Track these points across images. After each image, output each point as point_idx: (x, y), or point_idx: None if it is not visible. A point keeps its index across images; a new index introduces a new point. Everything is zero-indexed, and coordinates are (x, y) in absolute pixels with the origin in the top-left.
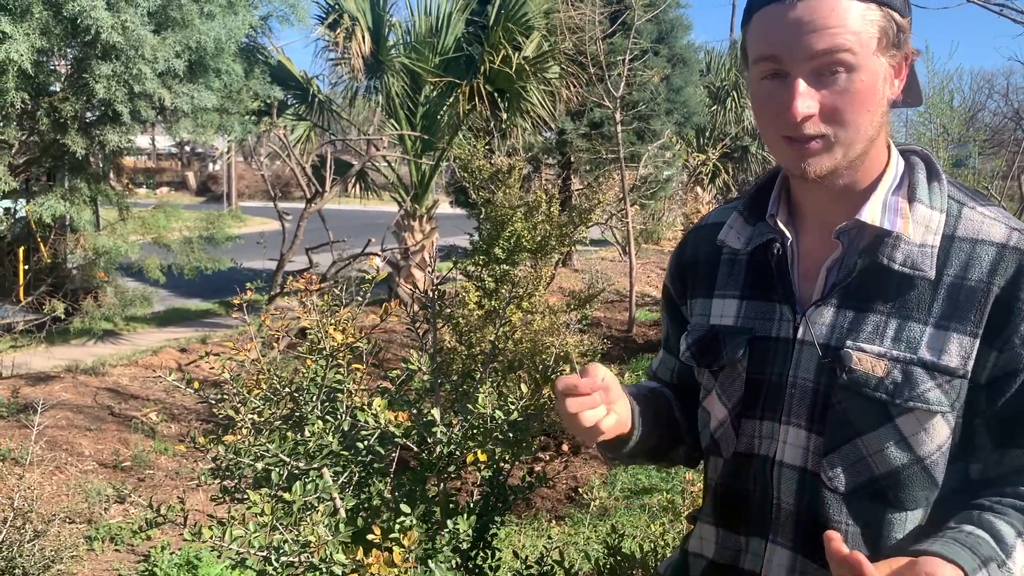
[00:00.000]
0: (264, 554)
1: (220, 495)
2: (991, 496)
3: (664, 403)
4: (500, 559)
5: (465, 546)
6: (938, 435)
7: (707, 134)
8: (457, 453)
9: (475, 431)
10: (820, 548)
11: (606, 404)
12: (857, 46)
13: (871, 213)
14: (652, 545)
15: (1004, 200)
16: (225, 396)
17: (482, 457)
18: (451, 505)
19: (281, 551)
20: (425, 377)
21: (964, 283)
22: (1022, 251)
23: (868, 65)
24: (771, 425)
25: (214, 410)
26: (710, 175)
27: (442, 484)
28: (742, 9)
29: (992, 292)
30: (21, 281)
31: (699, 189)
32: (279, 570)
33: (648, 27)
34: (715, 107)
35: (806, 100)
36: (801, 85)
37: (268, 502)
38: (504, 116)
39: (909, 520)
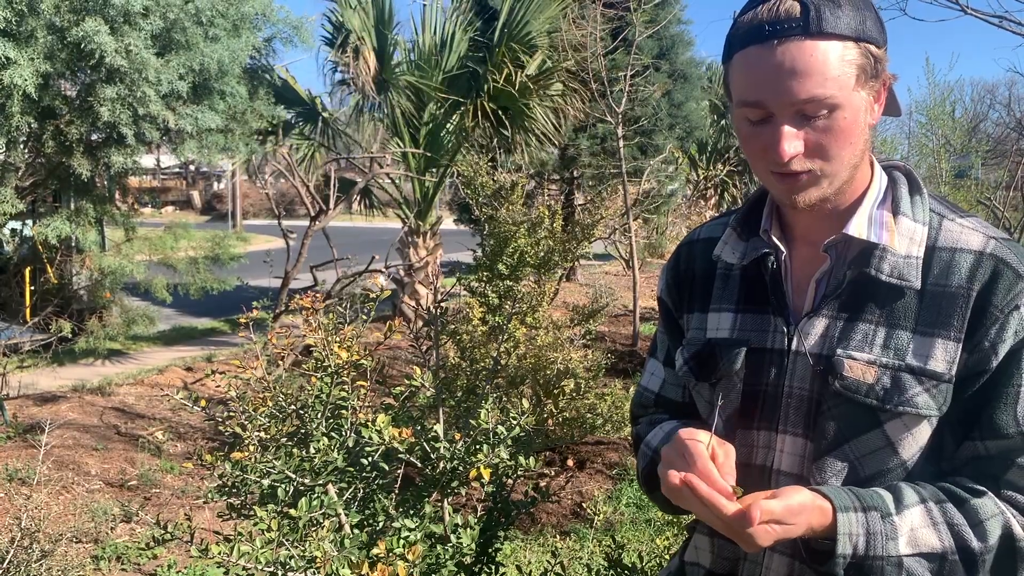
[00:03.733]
0: (271, 570)
1: (227, 512)
2: (938, 482)
3: None
4: (504, 574)
5: (468, 560)
6: (922, 438)
7: (710, 148)
8: (460, 469)
9: (478, 446)
10: (818, 554)
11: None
12: (837, 89)
13: (858, 227)
14: (657, 560)
15: (1007, 210)
16: (231, 413)
17: (485, 473)
18: (454, 520)
19: (287, 566)
20: (429, 393)
21: (945, 290)
22: (998, 257)
23: (849, 102)
24: (768, 435)
25: (220, 427)
26: (719, 190)
27: (445, 500)
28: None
29: (971, 297)
30: (28, 302)
31: (703, 203)
32: None
33: (649, 43)
34: (721, 122)
35: (791, 142)
36: (785, 129)
37: (274, 518)
38: (508, 133)
39: None
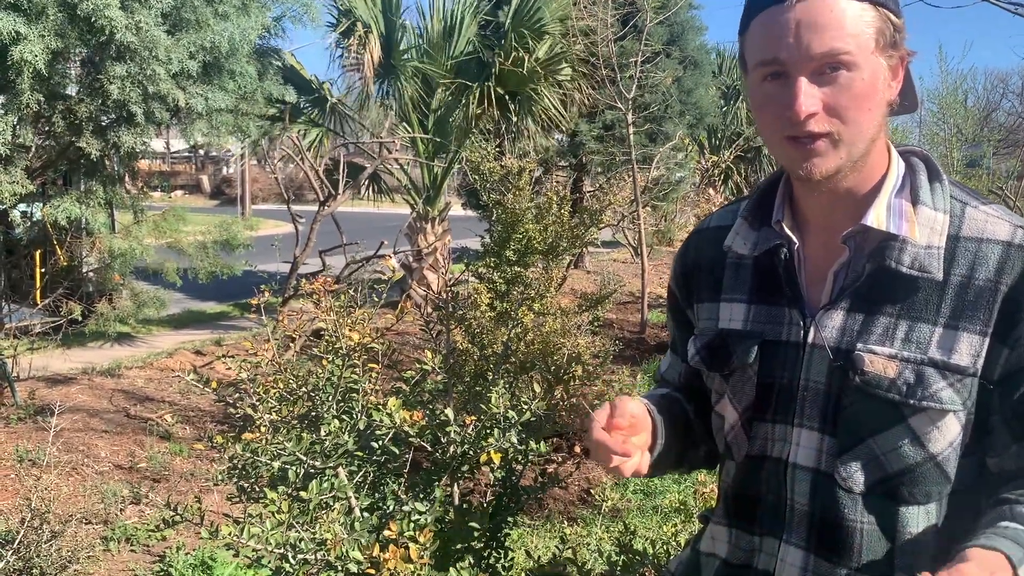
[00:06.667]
0: (281, 551)
1: (237, 494)
2: (1014, 490)
3: (678, 408)
4: (513, 559)
5: (478, 545)
6: (950, 432)
7: (719, 135)
8: (471, 453)
9: (488, 431)
10: (832, 547)
11: (637, 445)
12: (855, 47)
13: (876, 217)
14: (664, 546)
15: (1019, 200)
16: (242, 395)
17: (495, 457)
18: (464, 505)
19: (298, 548)
20: (439, 378)
21: (972, 282)
22: None
23: (867, 64)
24: (783, 428)
25: (231, 409)
26: (722, 176)
27: (455, 484)
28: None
29: (1000, 290)
30: (38, 284)
31: (711, 191)
32: (295, 567)
33: (659, 30)
34: (727, 108)
35: (809, 98)
36: (803, 83)
37: (285, 500)
38: (515, 119)
39: (922, 514)
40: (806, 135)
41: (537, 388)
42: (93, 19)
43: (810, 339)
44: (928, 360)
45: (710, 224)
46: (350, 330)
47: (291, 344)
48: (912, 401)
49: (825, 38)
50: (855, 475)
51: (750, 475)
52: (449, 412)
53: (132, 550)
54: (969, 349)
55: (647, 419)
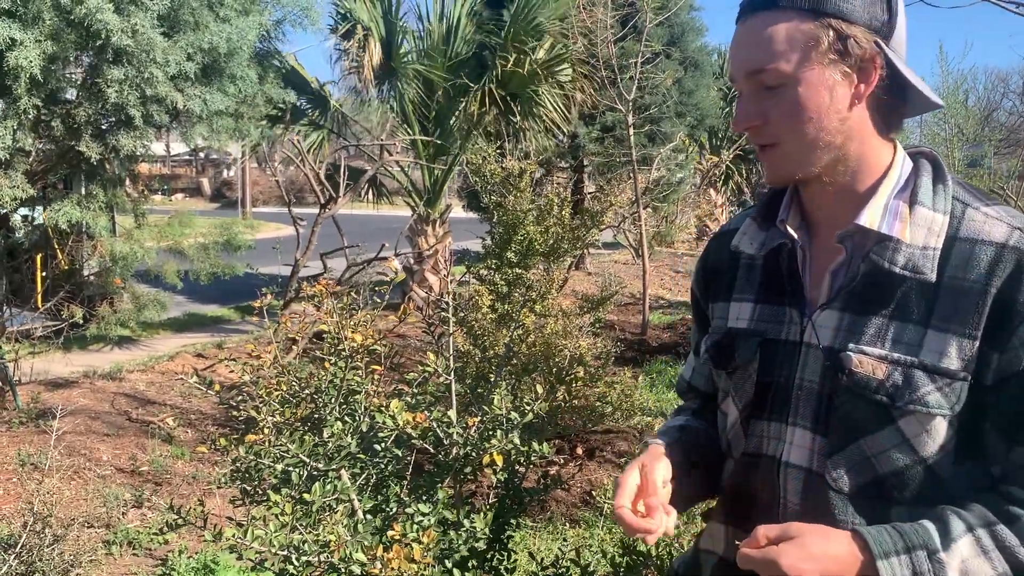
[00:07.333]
0: (284, 554)
1: (240, 497)
2: (988, 495)
3: (702, 439)
4: (516, 561)
5: (481, 546)
6: (939, 435)
7: (720, 136)
8: (473, 455)
9: (490, 433)
10: None
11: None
12: (784, 62)
13: (870, 217)
14: (667, 548)
15: (1020, 200)
16: (245, 398)
17: (498, 459)
18: (467, 507)
19: (301, 551)
20: (440, 380)
21: (963, 284)
22: (1021, 250)
23: (804, 77)
24: (778, 426)
25: (233, 413)
26: (723, 177)
27: (458, 486)
28: None
29: (990, 293)
30: (39, 288)
31: (712, 191)
32: (299, 570)
33: (659, 31)
34: (728, 109)
35: (744, 113)
36: (741, 102)
37: (288, 502)
38: (516, 120)
39: (914, 517)
40: (758, 144)
41: (539, 390)
42: (88, 23)
43: (806, 338)
44: (918, 363)
45: (729, 227)
46: (352, 332)
47: (293, 346)
48: (899, 404)
49: (752, 56)
50: (845, 476)
51: (746, 473)
52: (452, 414)
53: (134, 554)
54: (959, 353)
55: (668, 473)
